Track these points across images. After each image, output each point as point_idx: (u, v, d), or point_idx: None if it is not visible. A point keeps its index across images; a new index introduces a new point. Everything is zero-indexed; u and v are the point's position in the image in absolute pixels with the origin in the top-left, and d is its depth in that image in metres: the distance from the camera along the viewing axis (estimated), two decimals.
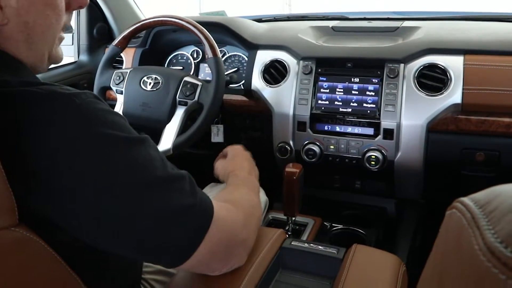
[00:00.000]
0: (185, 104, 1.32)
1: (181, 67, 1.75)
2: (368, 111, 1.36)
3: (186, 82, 1.33)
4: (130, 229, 0.64)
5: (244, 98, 1.56)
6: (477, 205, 0.33)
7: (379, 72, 1.37)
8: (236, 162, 1.11)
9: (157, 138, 1.29)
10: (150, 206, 0.64)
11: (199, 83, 1.32)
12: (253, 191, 0.98)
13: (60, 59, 0.77)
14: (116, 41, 1.45)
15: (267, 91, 1.50)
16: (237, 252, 0.79)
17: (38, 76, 0.69)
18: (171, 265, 0.71)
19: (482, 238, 0.30)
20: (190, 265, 0.71)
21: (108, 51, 1.47)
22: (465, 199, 0.35)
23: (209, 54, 1.33)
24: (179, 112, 1.32)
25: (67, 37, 1.87)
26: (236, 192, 0.92)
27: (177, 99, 1.32)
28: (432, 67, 1.33)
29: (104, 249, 0.66)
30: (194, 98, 1.31)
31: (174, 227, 0.66)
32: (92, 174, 0.60)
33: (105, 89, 1.45)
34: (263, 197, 1.40)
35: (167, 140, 1.29)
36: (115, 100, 1.42)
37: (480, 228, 0.31)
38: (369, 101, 1.37)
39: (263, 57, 1.53)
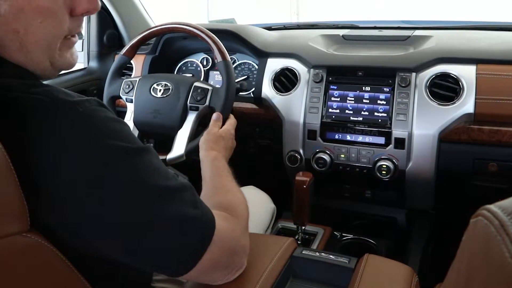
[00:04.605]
0: (196, 109, 1.31)
1: (191, 74, 1.75)
2: (379, 120, 1.35)
3: (197, 87, 1.32)
4: (132, 238, 0.64)
5: (254, 106, 1.55)
6: (505, 212, 0.33)
7: (390, 81, 1.36)
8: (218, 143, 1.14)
9: (169, 145, 1.29)
10: (153, 215, 0.64)
11: (210, 88, 1.32)
12: (234, 183, 0.97)
13: (70, 65, 0.75)
14: (124, 50, 1.44)
15: (277, 99, 1.49)
16: (238, 260, 0.79)
17: (47, 82, 0.68)
18: (173, 274, 0.71)
19: None
20: (192, 276, 0.71)
21: (116, 60, 1.46)
22: (492, 207, 0.34)
23: (218, 58, 1.32)
24: (191, 118, 1.31)
25: (77, 43, 1.87)
26: (229, 194, 0.91)
27: (188, 104, 1.31)
28: (444, 76, 1.32)
29: (107, 257, 0.66)
30: (205, 102, 1.30)
31: (177, 236, 0.66)
32: (92, 184, 0.60)
33: (115, 98, 1.44)
34: (270, 204, 1.39)
35: (180, 146, 1.28)
36: (125, 107, 1.41)
37: (510, 236, 0.30)
38: (380, 110, 1.36)
39: (273, 65, 1.53)
